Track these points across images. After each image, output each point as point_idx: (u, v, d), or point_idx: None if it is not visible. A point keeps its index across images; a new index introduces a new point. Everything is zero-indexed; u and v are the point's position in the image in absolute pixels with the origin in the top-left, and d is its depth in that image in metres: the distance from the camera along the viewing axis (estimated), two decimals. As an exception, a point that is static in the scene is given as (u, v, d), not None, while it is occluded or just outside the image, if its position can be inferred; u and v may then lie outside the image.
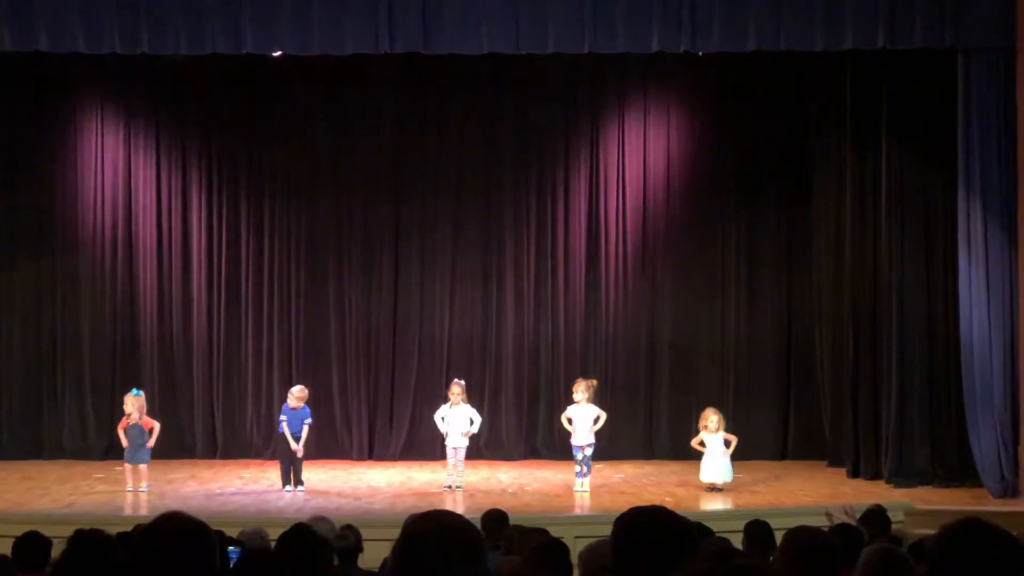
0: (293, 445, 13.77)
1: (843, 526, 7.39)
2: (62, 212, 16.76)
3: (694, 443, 14.17)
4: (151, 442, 13.75)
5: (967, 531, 3.32)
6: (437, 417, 14.15)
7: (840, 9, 13.07)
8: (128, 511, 12.76)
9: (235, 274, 16.92)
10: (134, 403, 13.84)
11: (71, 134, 16.82)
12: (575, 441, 13.81)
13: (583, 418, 13.79)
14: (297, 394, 14.09)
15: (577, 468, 13.82)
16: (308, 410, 14.06)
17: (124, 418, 13.88)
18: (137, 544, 3.50)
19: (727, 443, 13.94)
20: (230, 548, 6.27)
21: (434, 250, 16.96)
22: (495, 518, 8.16)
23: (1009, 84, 13.29)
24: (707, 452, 13.92)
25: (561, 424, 14.28)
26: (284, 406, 14.17)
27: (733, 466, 13.95)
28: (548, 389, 16.76)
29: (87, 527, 4.78)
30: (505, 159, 17.02)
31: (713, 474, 13.86)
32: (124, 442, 13.77)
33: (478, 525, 3.35)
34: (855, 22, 13.07)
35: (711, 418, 14.01)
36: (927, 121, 14.21)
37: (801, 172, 16.65)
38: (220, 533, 6.85)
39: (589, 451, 13.78)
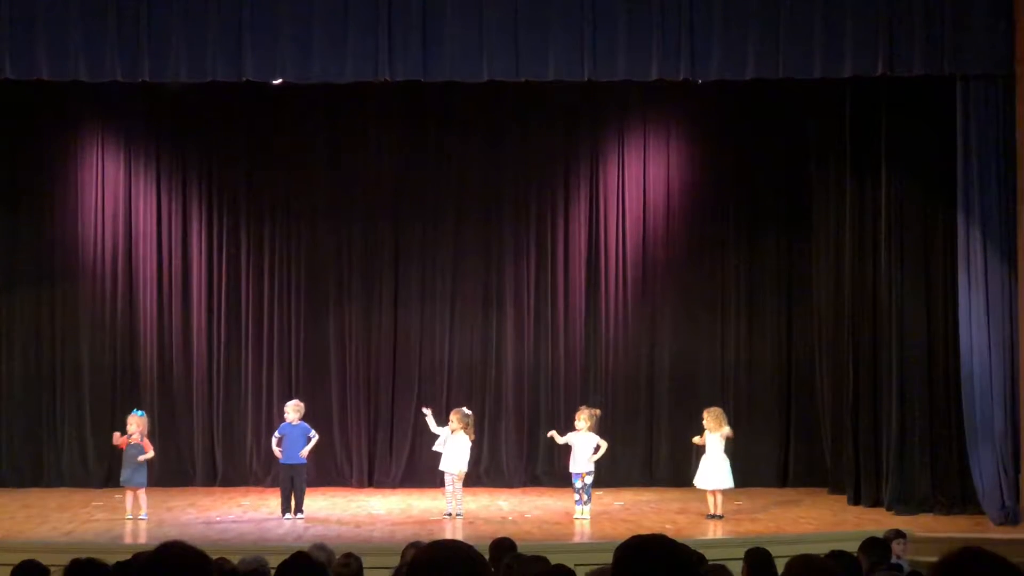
0: (305, 453, 13.83)
1: (838, 553, 7.36)
2: (62, 239, 16.77)
3: (696, 439, 14.18)
4: (142, 458, 13.67)
5: (967, 559, 3.31)
6: (439, 442, 14.14)
7: (839, 36, 13.12)
8: (128, 539, 12.73)
9: (235, 301, 16.92)
10: (138, 424, 13.79)
11: (72, 162, 16.85)
12: (573, 468, 13.82)
13: (583, 446, 13.79)
14: (295, 408, 14.05)
15: (576, 496, 13.81)
16: (308, 425, 14.04)
17: (125, 436, 13.82)
18: (136, 574, 3.49)
19: (727, 445, 13.92)
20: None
21: (434, 277, 16.97)
22: (504, 547, 8.09)
23: (1008, 110, 13.33)
24: (705, 453, 13.94)
25: (559, 444, 14.32)
26: (283, 424, 14.14)
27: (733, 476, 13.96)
28: (548, 416, 16.72)
29: (85, 555, 4.77)
30: (505, 186, 17.04)
31: (707, 479, 13.86)
32: (120, 443, 13.67)
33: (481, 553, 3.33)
34: (854, 49, 13.12)
35: (704, 417, 14.07)
36: (926, 147, 14.23)
37: (800, 199, 16.67)
38: (225, 561, 6.83)
39: (589, 479, 13.77)
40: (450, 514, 13.86)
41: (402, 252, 16.95)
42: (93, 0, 13.02)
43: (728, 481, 13.88)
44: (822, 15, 13.14)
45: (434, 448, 14.21)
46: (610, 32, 13.14)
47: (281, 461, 13.98)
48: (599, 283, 17.03)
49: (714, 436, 13.93)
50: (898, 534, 9.94)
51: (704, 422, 14.07)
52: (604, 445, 13.88)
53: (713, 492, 13.88)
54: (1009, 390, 13.37)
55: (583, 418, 13.86)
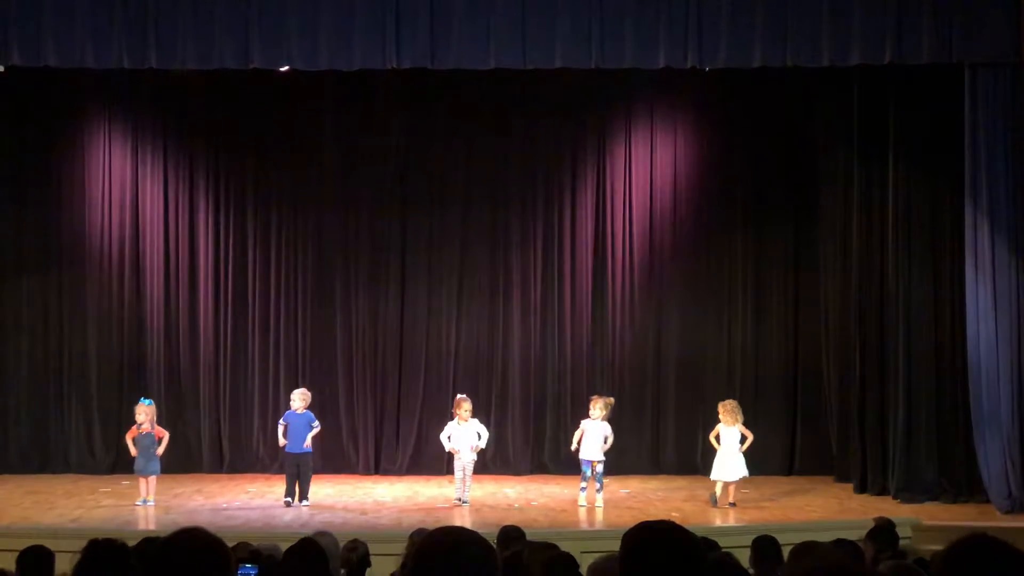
0: (308, 443, 13.84)
1: (841, 540, 7.38)
2: (69, 228, 16.78)
3: (711, 436, 14.25)
4: (160, 450, 13.79)
5: (975, 547, 3.32)
6: (443, 437, 14.16)
7: (847, 25, 13.08)
8: (135, 525, 12.75)
9: (242, 289, 16.93)
10: (146, 413, 13.87)
11: (79, 150, 16.85)
12: (584, 456, 13.79)
13: (595, 433, 13.78)
14: (301, 396, 14.12)
15: (583, 483, 13.80)
16: (312, 414, 14.09)
17: (134, 427, 13.89)
18: (154, 559, 3.49)
19: (743, 439, 13.95)
20: (244, 565, 6.26)
21: (441, 265, 16.96)
22: (512, 536, 8.09)
23: (1016, 98, 13.29)
24: (720, 447, 13.98)
25: (570, 436, 14.31)
26: (288, 412, 14.18)
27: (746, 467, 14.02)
28: (555, 404, 16.74)
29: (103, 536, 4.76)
30: (512, 174, 17.03)
31: (720, 471, 13.93)
32: (133, 451, 13.80)
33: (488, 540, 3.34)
34: (862, 37, 13.08)
35: (720, 411, 14.15)
36: (934, 136, 14.21)
37: (808, 188, 16.62)
38: (246, 545, 6.82)
39: (600, 467, 13.77)
40: (459, 499, 13.88)
41: (409, 240, 16.94)
42: (100, -13, 13.04)
43: (743, 471, 13.94)
44: (830, 3, 13.09)
45: (447, 449, 14.23)
46: (617, 20, 13.10)
47: (286, 450, 14.02)
48: (606, 271, 17.02)
49: (730, 429, 13.97)
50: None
51: (720, 415, 14.11)
52: (611, 437, 13.88)
53: (727, 484, 13.92)
54: (1016, 379, 13.35)
55: (598, 407, 13.83)
